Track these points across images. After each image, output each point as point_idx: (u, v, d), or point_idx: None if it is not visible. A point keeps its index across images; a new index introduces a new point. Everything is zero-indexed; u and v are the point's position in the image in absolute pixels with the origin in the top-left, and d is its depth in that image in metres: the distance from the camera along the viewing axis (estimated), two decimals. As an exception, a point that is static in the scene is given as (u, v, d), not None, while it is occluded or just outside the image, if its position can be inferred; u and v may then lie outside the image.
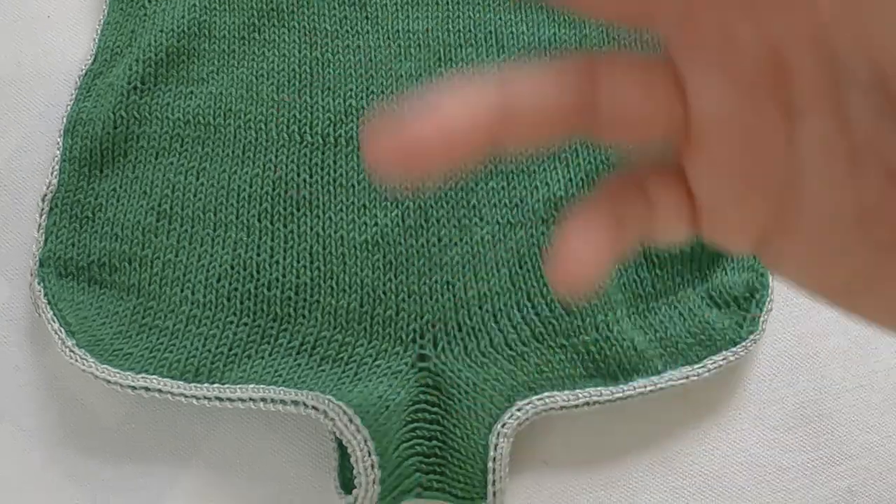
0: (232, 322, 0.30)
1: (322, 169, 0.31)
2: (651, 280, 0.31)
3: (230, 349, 0.29)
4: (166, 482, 0.29)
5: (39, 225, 0.31)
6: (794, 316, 0.32)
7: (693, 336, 0.30)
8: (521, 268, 0.30)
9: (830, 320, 0.32)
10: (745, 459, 0.30)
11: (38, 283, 0.30)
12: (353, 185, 0.31)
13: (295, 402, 0.28)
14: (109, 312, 0.30)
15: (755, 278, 0.32)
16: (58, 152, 0.31)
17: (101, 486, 0.29)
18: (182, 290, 0.30)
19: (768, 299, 0.31)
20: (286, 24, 0.33)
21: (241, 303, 0.30)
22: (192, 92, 0.32)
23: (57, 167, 0.31)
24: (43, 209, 0.31)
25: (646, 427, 0.30)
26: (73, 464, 0.29)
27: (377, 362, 0.29)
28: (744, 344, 0.30)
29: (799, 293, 0.23)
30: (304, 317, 0.30)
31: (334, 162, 0.31)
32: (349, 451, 0.27)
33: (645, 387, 0.29)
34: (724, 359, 0.30)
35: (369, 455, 0.26)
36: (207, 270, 0.30)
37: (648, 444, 0.30)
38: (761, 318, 0.31)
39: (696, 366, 0.30)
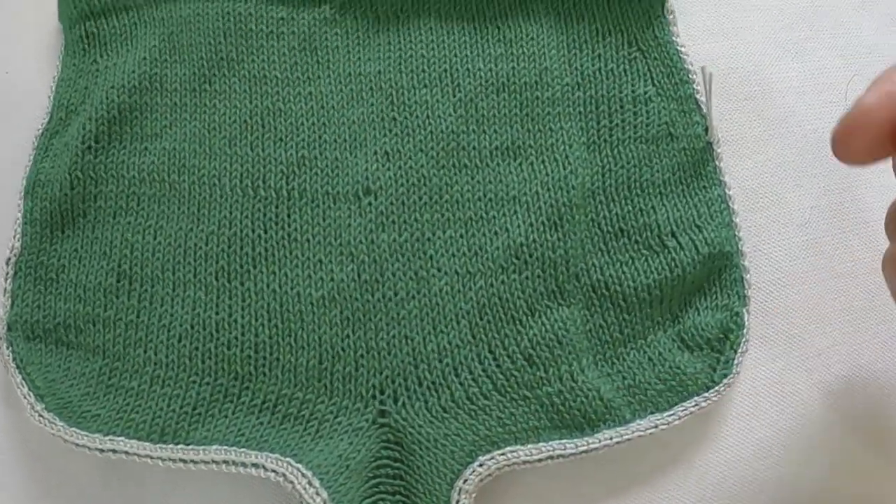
0: (195, 381, 0.30)
1: (276, 224, 0.31)
2: (618, 325, 0.30)
3: (194, 408, 0.30)
4: (139, 540, 0.30)
5: (5, 289, 0.31)
6: (771, 354, 0.31)
7: (663, 382, 0.30)
8: (481, 319, 0.30)
9: (808, 356, 0.31)
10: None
11: (7, 348, 0.30)
12: (307, 240, 0.31)
13: (255, 465, 0.28)
14: (77, 374, 0.30)
15: (729, 318, 0.31)
16: (19, 215, 0.32)
17: (77, 546, 0.30)
18: (145, 351, 0.30)
19: (743, 340, 0.30)
20: (236, 74, 0.32)
21: (203, 362, 0.30)
22: (146, 148, 0.32)
23: (19, 230, 0.32)
24: (8, 273, 0.31)
25: (616, 475, 0.30)
26: (50, 524, 0.30)
27: (338, 419, 0.29)
28: (717, 389, 0.30)
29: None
30: (264, 375, 0.30)
31: (288, 216, 0.31)
32: (309, 514, 0.27)
33: (611, 438, 0.29)
34: (695, 405, 0.30)
35: None
36: (168, 330, 0.30)
37: (618, 494, 0.30)
38: (735, 360, 0.30)
39: (666, 413, 0.29)
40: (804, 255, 0.33)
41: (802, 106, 0.34)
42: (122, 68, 0.32)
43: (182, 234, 0.31)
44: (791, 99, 0.35)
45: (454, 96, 0.32)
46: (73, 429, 0.29)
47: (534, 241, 0.30)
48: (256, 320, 0.30)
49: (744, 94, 0.34)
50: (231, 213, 0.31)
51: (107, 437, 0.29)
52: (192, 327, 0.30)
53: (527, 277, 0.30)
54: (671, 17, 0.34)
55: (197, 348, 0.30)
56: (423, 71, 0.32)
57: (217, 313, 0.30)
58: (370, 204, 0.30)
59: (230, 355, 0.30)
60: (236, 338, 0.30)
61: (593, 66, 0.33)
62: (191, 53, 0.32)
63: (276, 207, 0.31)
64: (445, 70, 0.32)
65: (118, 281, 0.31)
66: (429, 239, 0.30)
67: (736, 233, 0.32)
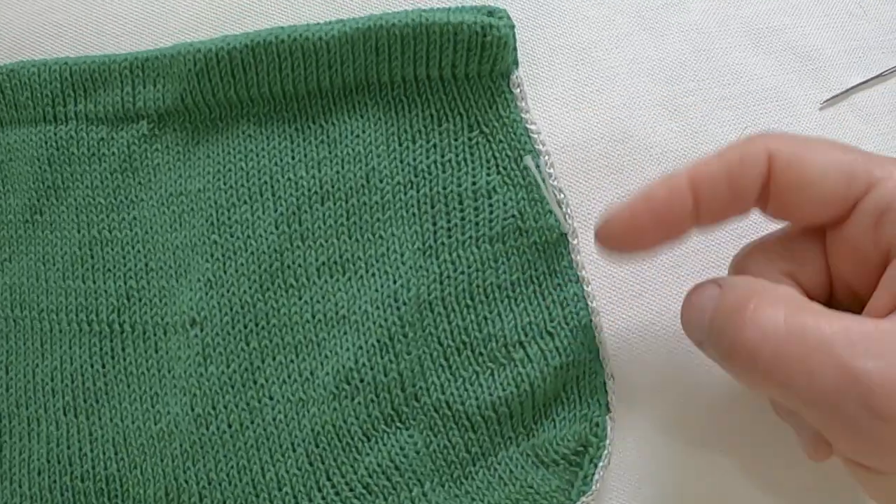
0: None
1: (112, 358, 0.30)
2: (464, 444, 0.29)
3: None
4: None
5: None
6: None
7: (515, 502, 0.28)
8: (317, 447, 0.29)
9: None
10: None
11: None
12: (143, 374, 0.30)
13: None
14: (-46, 508, 0.32)
15: (588, 429, 0.28)
16: None
17: None
18: (10, 484, 0.31)
19: (605, 452, 0.28)
20: (63, 202, 0.31)
21: (62, 495, 0.31)
22: (-10, 284, 0.32)
23: None
24: None
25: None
26: None
27: (188, 549, 0.30)
28: None
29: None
30: (118, 506, 0.30)
31: (122, 350, 0.30)
32: None
33: None
34: None
35: None
36: (28, 464, 0.31)
37: None
38: (595, 476, 0.28)
39: None
40: (681, 352, 0.30)
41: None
42: None
43: (30, 370, 0.31)
44: (668, 166, 0.30)
45: (276, 211, 0.30)
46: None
47: (363, 364, 0.29)
48: (104, 454, 0.30)
49: (610, 167, 0.30)
50: (70, 347, 0.31)
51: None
52: (48, 461, 0.31)
53: (359, 403, 0.29)
54: (518, 91, 0.29)
55: (55, 481, 0.31)
56: (243, 185, 0.30)
57: (69, 447, 0.31)
58: (196, 335, 0.30)
59: (84, 488, 0.30)
60: (87, 471, 0.30)
61: (427, 159, 0.30)
62: (20, 183, 0.31)
63: (111, 341, 0.30)
64: (266, 182, 0.30)
65: (-21, 417, 0.31)
66: (258, 367, 0.29)
67: (597, 334, 0.29)
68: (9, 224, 0.32)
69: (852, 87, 0.32)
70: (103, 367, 0.30)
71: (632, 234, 0.24)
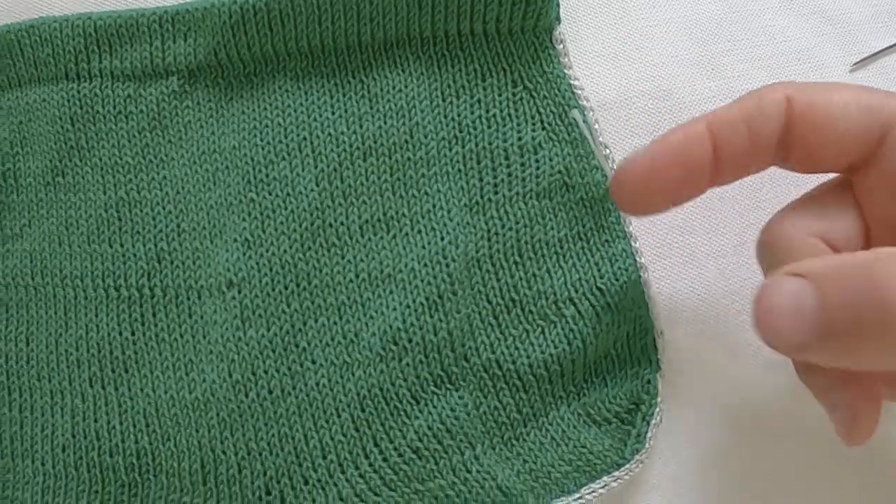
0: (84, 490, 0.29)
1: (143, 325, 0.29)
2: (515, 405, 0.28)
3: None
4: None
5: None
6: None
7: (568, 463, 0.27)
8: (363, 411, 0.28)
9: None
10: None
11: None
12: (175, 340, 0.29)
13: (142, 580, 0.27)
14: (-28, 488, 0.30)
15: (640, 387, 0.28)
16: None
17: None
18: (33, 462, 0.29)
19: (656, 410, 0.28)
20: (88, 162, 0.30)
21: (88, 471, 0.29)
22: (8, 251, 0.30)
23: None
24: None
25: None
26: None
27: (227, 524, 0.28)
28: (628, 466, 0.27)
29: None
30: (149, 481, 0.29)
31: (153, 316, 0.29)
32: None
33: None
34: (604, 486, 0.27)
35: None
36: (52, 440, 0.29)
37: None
38: (648, 434, 0.27)
39: (573, 497, 0.27)
40: (726, 301, 0.29)
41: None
42: None
43: (53, 340, 0.29)
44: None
45: (316, 167, 0.29)
46: (-25, 548, 0.29)
47: (412, 324, 0.28)
48: (135, 426, 0.29)
49: (651, 125, 0.30)
50: (97, 315, 0.29)
51: (5, 556, 0.29)
52: (74, 436, 0.29)
53: (408, 364, 0.28)
54: (561, 47, 0.29)
55: (81, 458, 0.29)
56: (281, 142, 0.29)
57: (96, 421, 0.29)
58: (234, 298, 0.28)
59: (114, 463, 0.29)
60: (117, 445, 0.29)
61: (472, 114, 0.29)
62: (41, 144, 0.30)
63: (141, 307, 0.29)
64: (305, 138, 0.29)
65: (-2, 393, 0.30)
66: (300, 330, 0.28)
67: (645, 291, 0.29)
68: (28, 188, 0.30)
69: (880, 51, 0.32)
70: (132, 334, 0.29)
71: (650, 181, 0.23)
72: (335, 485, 0.28)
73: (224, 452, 0.28)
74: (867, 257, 0.20)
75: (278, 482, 0.28)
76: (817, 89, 0.23)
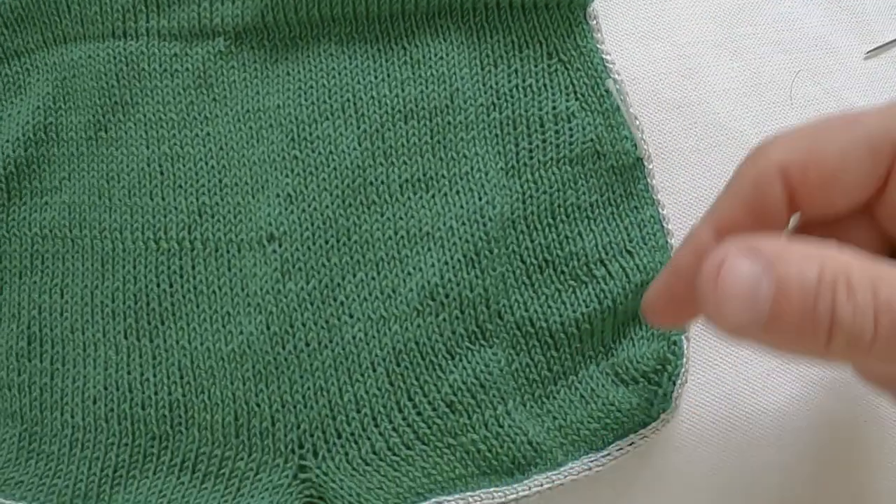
0: (113, 443, 0.29)
1: (181, 277, 0.29)
2: (546, 362, 0.29)
3: (115, 471, 0.29)
4: None
5: None
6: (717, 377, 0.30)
7: (597, 420, 0.28)
8: (398, 365, 0.28)
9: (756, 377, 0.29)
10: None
11: (-74, 418, 0.30)
12: (214, 293, 0.29)
13: (176, 529, 0.27)
14: (-2, 441, 0.30)
15: (667, 347, 0.29)
16: None
17: None
18: (62, 414, 0.29)
19: (682, 370, 0.29)
20: (131, 118, 0.30)
21: (119, 423, 0.29)
22: (46, 203, 0.30)
23: None
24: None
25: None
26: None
27: (259, 476, 0.28)
28: (654, 425, 0.28)
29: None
30: (181, 434, 0.29)
31: (192, 268, 0.29)
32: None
33: (542, 484, 0.28)
34: (631, 443, 0.28)
35: None
36: (83, 392, 0.29)
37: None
38: (674, 393, 0.28)
39: (601, 454, 0.28)
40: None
41: (742, 110, 0.32)
42: (16, 120, 0.31)
43: (88, 292, 0.30)
44: (729, 103, 0.32)
45: (358, 128, 0.29)
46: (-1, 499, 0.29)
47: (449, 280, 0.28)
48: (169, 378, 0.29)
49: (677, 102, 0.32)
50: (135, 267, 0.30)
51: (30, 506, 0.29)
52: (106, 388, 0.29)
53: (444, 319, 0.28)
54: (594, 22, 0.31)
55: (112, 410, 0.29)
56: (325, 102, 0.30)
57: (129, 373, 0.29)
58: (275, 251, 0.29)
59: (145, 415, 0.29)
60: (150, 397, 0.29)
61: (509, 82, 0.30)
62: (84, 99, 0.30)
63: (180, 259, 0.29)
64: (348, 100, 0.30)
65: (29, 344, 0.30)
66: (338, 284, 0.29)
67: (672, 255, 0.30)
68: (69, 141, 0.31)
69: (894, 40, 0.34)
70: (171, 286, 0.29)
71: (673, 306, 0.22)
72: (368, 438, 0.28)
73: (258, 405, 0.29)
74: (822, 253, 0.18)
75: (311, 435, 0.29)
76: (807, 143, 0.21)
